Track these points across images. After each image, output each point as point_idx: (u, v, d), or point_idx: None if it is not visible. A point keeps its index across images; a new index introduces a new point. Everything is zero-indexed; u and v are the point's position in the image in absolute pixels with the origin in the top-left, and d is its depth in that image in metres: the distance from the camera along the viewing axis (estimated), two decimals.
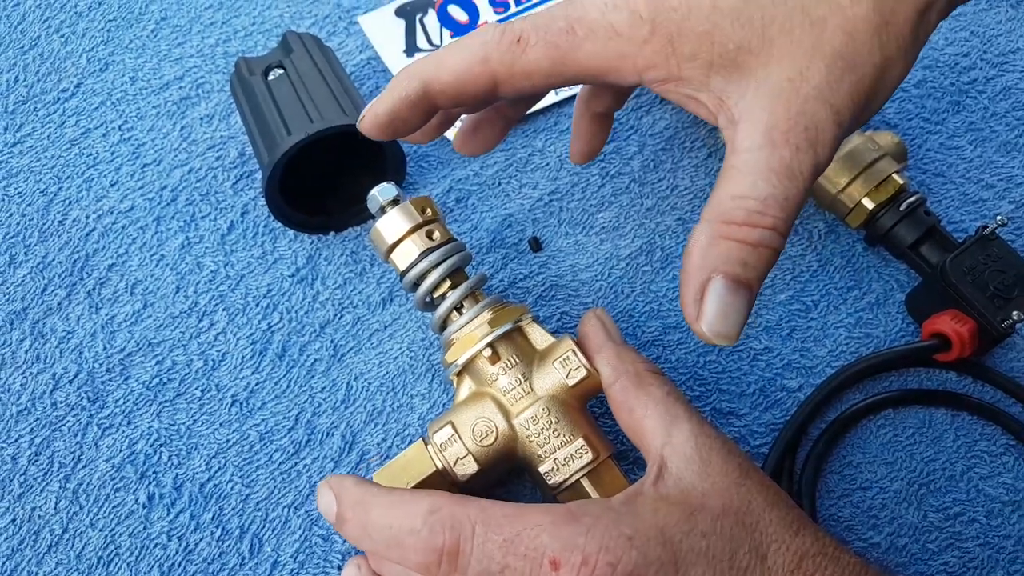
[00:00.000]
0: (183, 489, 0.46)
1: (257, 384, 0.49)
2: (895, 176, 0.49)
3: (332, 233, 0.54)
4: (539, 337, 0.43)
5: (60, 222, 0.55)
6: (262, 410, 0.48)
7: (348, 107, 0.49)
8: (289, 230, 0.53)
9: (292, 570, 0.43)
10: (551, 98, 0.59)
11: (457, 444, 0.39)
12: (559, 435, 0.39)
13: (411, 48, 0.62)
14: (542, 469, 0.39)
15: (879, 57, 0.31)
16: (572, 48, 0.34)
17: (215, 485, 0.46)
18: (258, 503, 0.45)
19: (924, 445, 0.46)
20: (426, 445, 0.40)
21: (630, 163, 0.56)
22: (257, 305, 0.51)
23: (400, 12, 0.63)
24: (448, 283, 0.43)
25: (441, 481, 0.39)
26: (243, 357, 0.49)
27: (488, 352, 0.41)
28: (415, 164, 0.56)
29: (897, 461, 0.46)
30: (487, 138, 0.44)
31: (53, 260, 0.53)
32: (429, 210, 0.43)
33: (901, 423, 0.47)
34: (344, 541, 0.44)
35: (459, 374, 0.42)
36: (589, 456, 0.39)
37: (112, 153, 0.58)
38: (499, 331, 0.41)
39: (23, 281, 0.53)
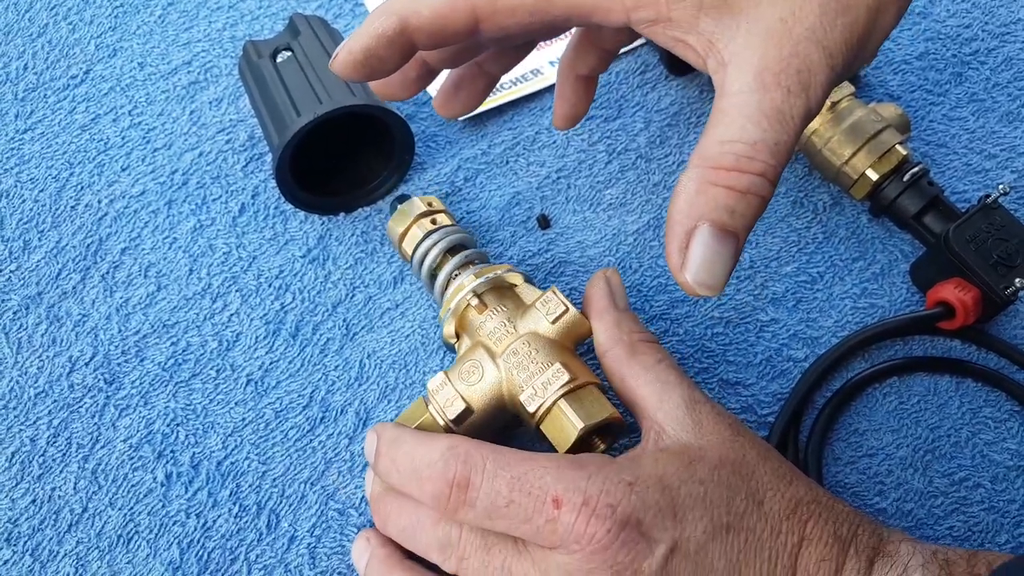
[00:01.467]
0: (200, 467, 0.47)
1: (271, 363, 0.49)
2: (898, 147, 0.49)
3: (342, 214, 0.54)
4: (529, 294, 0.45)
5: (73, 207, 0.55)
6: (277, 389, 0.48)
7: (356, 88, 0.50)
8: (300, 211, 0.54)
9: (309, 544, 0.44)
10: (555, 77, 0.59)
11: (447, 387, 0.41)
12: (537, 363, 0.40)
13: None
14: (523, 398, 0.40)
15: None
16: None
17: (232, 463, 0.47)
18: (274, 479, 0.46)
19: (929, 412, 0.47)
20: (425, 400, 0.42)
21: (636, 139, 0.56)
22: (270, 286, 0.52)
23: None
24: (448, 258, 0.47)
25: (436, 427, 0.41)
26: (257, 337, 0.50)
27: (475, 301, 0.44)
28: (423, 144, 0.57)
29: (903, 428, 0.46)
30: (469, 97, 0.44)
31: (67, 245, 0.54)
32: (434, 203, 0.49)
33: (906, 390, 0.47)
34: (360, 514, 0.45)
35: (458, 337, 0.45)
36: (566, 377, 0.39)
37: (123, 138, 0.58)
38: (482, 279, 0.44)
39: (37, 266, 0.53)
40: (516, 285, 0.46)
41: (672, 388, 0.38)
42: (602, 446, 0.40)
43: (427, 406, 0.41)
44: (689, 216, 0.31)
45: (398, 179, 0.55)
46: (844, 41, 0.30)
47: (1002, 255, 0.46)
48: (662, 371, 0.39)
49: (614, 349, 0.41)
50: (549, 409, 0.39)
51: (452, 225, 0.49)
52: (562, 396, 0.39)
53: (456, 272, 0.47)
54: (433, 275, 0.48)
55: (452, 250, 0.48)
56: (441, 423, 0.41)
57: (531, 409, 0.39)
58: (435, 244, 0.47)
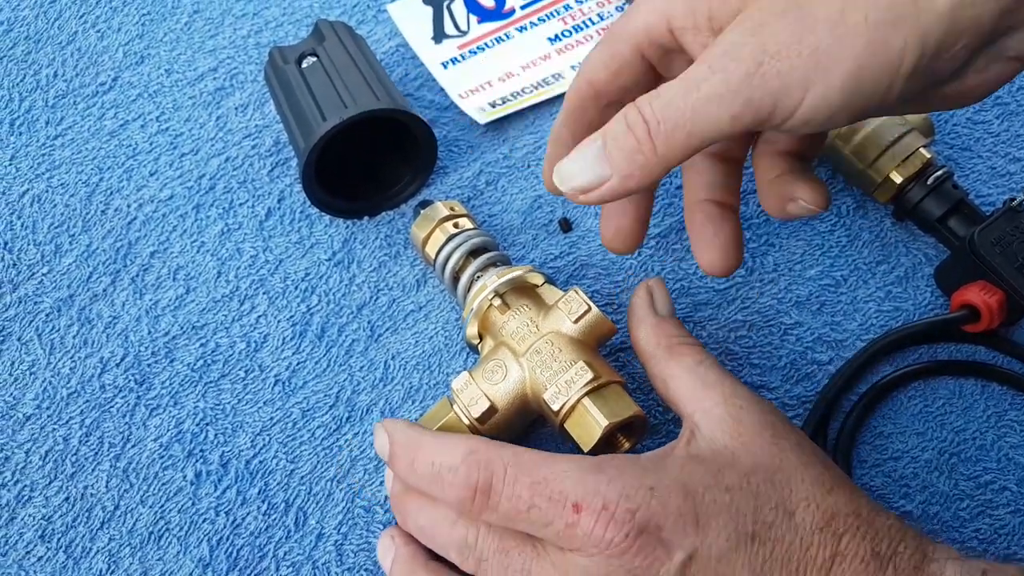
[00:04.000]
0: (229, 466, 0.47)
1: (298, 364, 0.50)
2: (922, 150, 0.49)
3: (366, 218, 0.55)
4: (551, 295, 0.45)
5: (103, 211, 0.56)
6: (304, 389, 0.49)
7: (381, 93, 0.51)
8: (325, 216, 0.55)
9: (336, 541, 0.45)
10: None
11: (471, 387, 0.41)
12: (560, 361, 0.41)
13: (439, 35, 0.63)
14: (547, 397, 0.40)
15: (837, 15, 0.29)
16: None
17: (260, 461, 0.47)
18: (302, 478, 0.47)
19: (954, 415, 0.47)
20: (449, 400, 0.43)
21: None
22: (296, 288, 0.52)
23: (427, 0, 0.64)
24: (471, 261, 0.48)
25: (460, 426, 0.41)
26: (284, 338, 0.51)
27: (497, 302, 0.44)
28: (445, 149, 0.57)
29: (928, 431, 0.46)
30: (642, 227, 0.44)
31: (97, 248, 0.55)
32: (456, 208, 0.50)
33: (931, 394, 0.47)
34: (386, 512, 0.45)
35: (481, 338, 0.45)
36: (589, 375, 0.39)
37: (151, 144, 0.59)
38: (504, 279, 0.45)
39: (69, 269, 0.54)
40: (538, 285, 0.46)
41: (711, 388, 0.38)
42: (626, 444, 0.41)
43: (451, 405, 0.42)
44: (599, 132, 0.34)
45: (421, 183, 0.55)
46: (785, 42, 0.30)
47: None
48: (702, 372, 0.39)
49: (655, 354, 0.40)
50: (573, 407, 0.40)
51: (474, 229, 0.49)
52: (586, 394, 0.39)
53: (478, 274, 0.47)
54: (456, 277, 0.48)
55: (474, 253, 0.48)
56: (466, 422, 0.41)
57: (555, 407, 0.40)
58: (458, 247, 0.48)
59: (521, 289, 0.46)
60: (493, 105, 0.59)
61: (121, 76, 0.63)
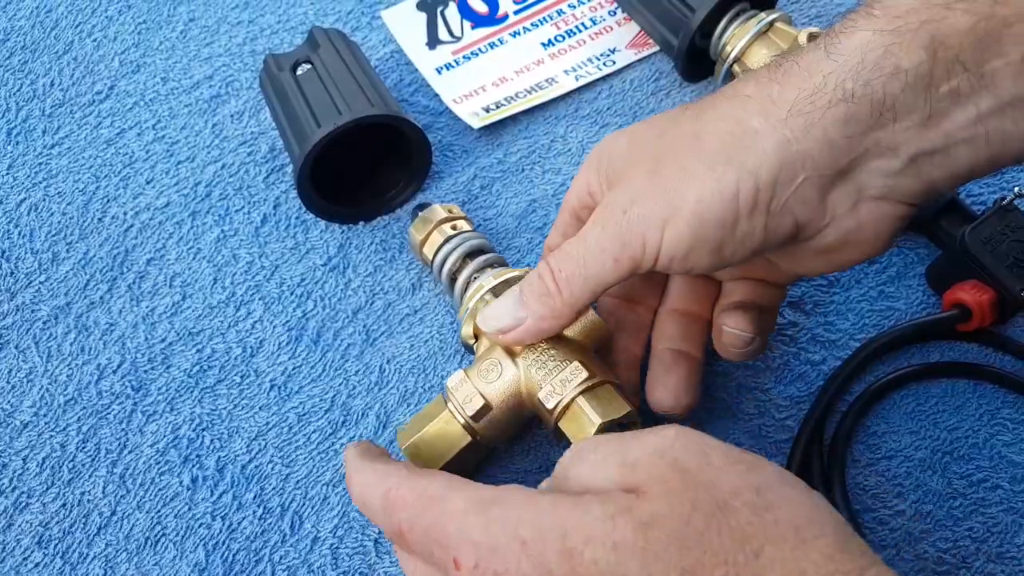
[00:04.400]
0: (225, 471, 0.48)
1: (294, 369, 0.50)
2: None
3: (361, 223, 0.55)
4: None
5: (99, 219, 0.57)
6: (299, 393, 0.49)
7: (375, 99, 0.51)
8: (320, 221, 0.55)
9: (332, 545, 0.45)
10: (570, 84, 0.60)
11: (466, 385, 0.41)
12: (555, 360, 0.41)
13: (433, 41, 0.63)
14: (541, 395, 0.40)
15: (683, 163, 0.35)
16: None
17: (256, 466, 0.47)
18: (298, 482, 0.47)
19: (947, 414, 0.47)
20: (444, 398, 0.43)
21: None
22: (292, 293, 0.53)
23: (421, 6, 0.65)
24: (468, 262, 0.48)
25: (454, 423, 0.41)
26: (280, 343, 0.51)
27: (490, 298, 0.44)
28: (440, 154, 0.58)
29: (921, 430, 0.46)
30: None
31: (94, 256, 0.55)
32: (454, 210, 0.51)
33: (924, 393, 0.47)
34: None
35: (476, 338, 0.45)
36: (584, 374, 0.40)
37: (147, 152, 0.59)
38: (500, 280, 0.45)
39: (66, 277, 0.55)
40: None
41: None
42: None
43: (446, 403, 0.42)
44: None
45: (416, 188, 0.56)
46: (645, 190, 0.36)
47: (1018, 256, 0.46)
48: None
49: None
50: (567, 406, 0.40)
51: (471, 231, 0.50)
52: (580, 393, 0.39)
53: (475, 275, 0.47)
54: (453, 278, 0.49)
55: (471, 255, 0.49)
56: (460, 420, 0.41)
57: (549, 406, 0.40)
58: (455, 248, 0.48)
59: None
60: (487, 110, 0.59)
61: (117, 85, 0.63)
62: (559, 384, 0.40)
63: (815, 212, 0.34)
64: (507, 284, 0.45)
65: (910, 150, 0.33)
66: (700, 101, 0.37)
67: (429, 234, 0.49)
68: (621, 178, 0.38)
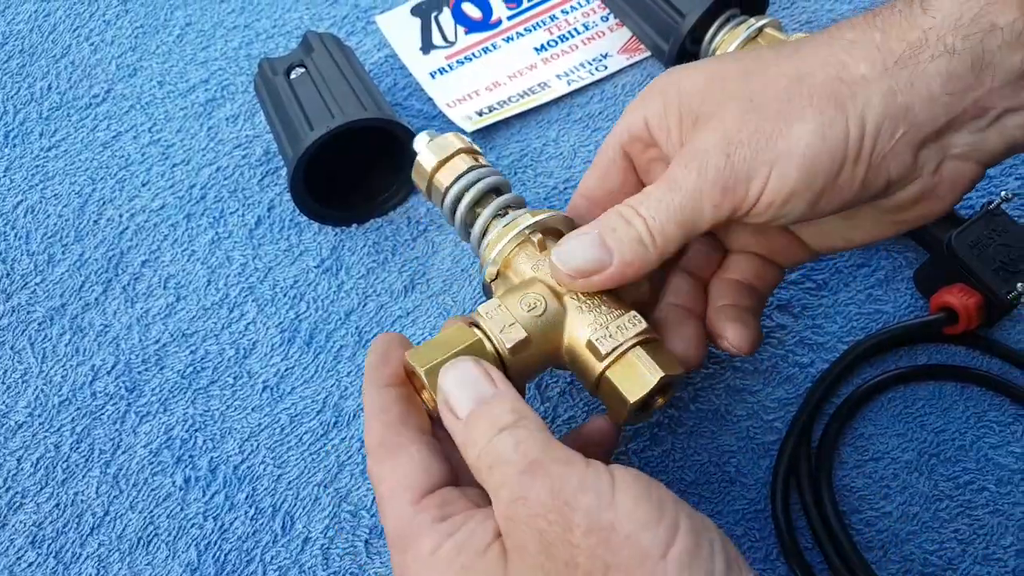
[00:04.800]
0: (218, 471, 0.48)
1: (287, 370, 0.51)
2: None
3: (355, 225, 0.56)
4: None
5: (95, 221, 0.57)
6: (292, 395, 0.50)
7: (368, 103, 0.51)
8: (314, 223, 0.56)
9: (323, 545, 0.45)
10: (563, 88, 0.60)
11: (504, 313, 0.37)
12: (608, 306, 0.38)
13: (427, 46, 0.64)
14: (594, 336, 0.36)
15: (786, 104, 0.34)
16: None
17: (248, 467, 0.48)
18: (289, 482, 0.47)
19: (934, 416, 0.47)
20: (471, 326, 0.38)
21: None
22: (285, 295, 0.53)
23: (415, 11, 0.65)
24: (493, 197, 0.44)
25: (481, 351, 0.37)
26: (272, 345, 0.51)
27: (536, 237, 0.40)
28: None
29: (908, 432, 0.47)
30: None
31: (89, 258, 0.56)
32: (473, 145, 0.46)
33: (911, 395, 0.48)
34: (371, 516, 0.46)
35: (496, 278, 0.42)
36: (644, 325, 0.37)
37: (143, 154, 0.60)
38: (543, 216, 0.41)
39: (61, 278, 0.55)
40: None
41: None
42: (660, 402, 0.38)
43: (473, 331, 0.37)
44: (590, 225, 0.37)
45: (408, 191, 0.56)
46: (746, 133, 0.34)
47: (1004, 260, 0.47)
48: None
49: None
50: (623, 354, 0.36)
51: (492, 168, 0.45)
52: (639, 343, 0.36)
53: (501, 211, 0.43)
54: (472, 213, 0.44)
55: (496, 191, 0.44)
56: (491, 350, 0.37)
57: (604, 350, 0.36)
58: (481, 179, 0.43)
59: (556, 232, 0.42)
60: (480, 114, 0.59)
61: (114, 88, 0.64)
62: (616, 330, 0.37)
63: (906, 169, 0.34)
64: (550, 223, 0.41)
65: (1000, 109, 0.33)
66: (786, 43, 0.36)
67: (448, 159, 0.44)
68: (707, 116, 0.36)
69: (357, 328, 0.52)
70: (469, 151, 0.45)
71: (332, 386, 0.50)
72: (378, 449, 0.35)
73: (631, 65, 0.61)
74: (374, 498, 0.46)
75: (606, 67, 0.61)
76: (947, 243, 0.47)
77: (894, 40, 0.33)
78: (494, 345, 0.37)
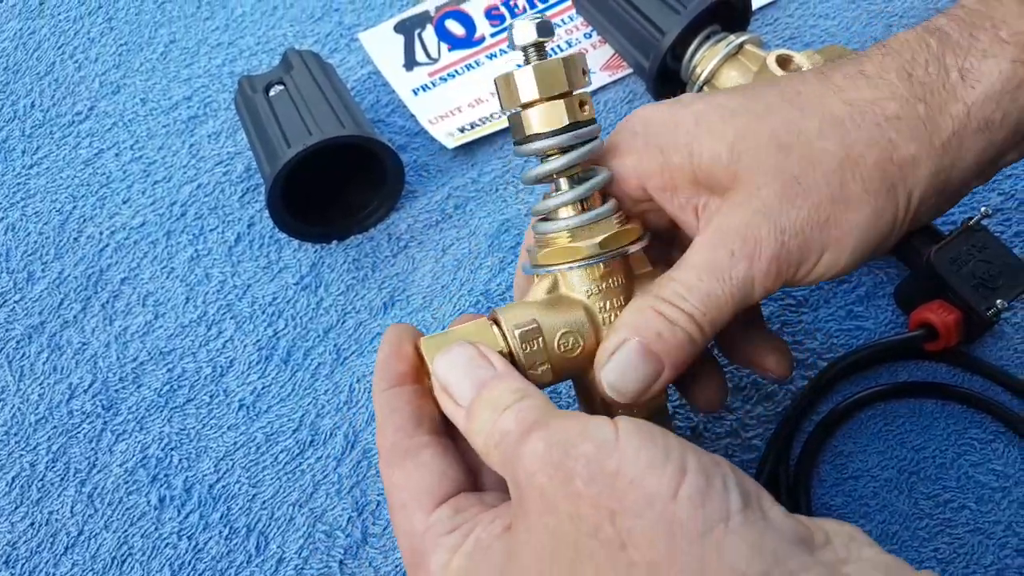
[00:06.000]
0: (193, 491, 0.48)
1: (263, 388, 0.50)
2: None
3: (335, 242, 0.55)
4: (638, 262, 0.38)
5: (75, 239, 0.57)
6: (268, 413, 0.49)
7: (346, 120, 0.51)
8: (293, 240, 0.55)
9: (296, 565, 0.45)
10: None
11: (538, 347, 0.34)
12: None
13: (410, 62, 0.64)
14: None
15: (838, 190, 0.33)
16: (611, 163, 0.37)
17: (223, 486, 0.47)
18: (264, 502, 0.47)
19: (914, 434, 0.47)
20: (493, 325, 0.35)
21: None
22: (263, 313, 0.53)
23: (399, 28, 0.66)
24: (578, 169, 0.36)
25: (497, 344, 0.35)
26: (250, 363, 0.51)
27: (602, 269, 0.36)
28: (414, 173, 0.58)
29: (888, 450, 0.46)
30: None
31: (69, 275, 0.56)
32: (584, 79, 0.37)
33: (891, 412, 0.47)
34: (347, 536, 0.45)
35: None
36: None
37: (124, 172, 0.60)
38: (620, 250, 0.36)
39: (40, 296, 0.55)
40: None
41: None
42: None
43: (498, 339, 0.35)
44: (625, 328, 0.34)
45: (389, 207, 0.56)
46: (799, 221, 0.33)
47: (984, 277, 0.47)
48: None
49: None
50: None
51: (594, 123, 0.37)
52: None
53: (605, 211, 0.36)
54: (573, 180, 0.36)
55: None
56: (510, 351, 0.34)
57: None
58: (581, 143, 0.36)
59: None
60: (462, 130, 0.59)
61: (97, 106, 0.64)
62: None
63: (937, 213, 0.36)
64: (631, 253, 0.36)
65: None
66: (820, 102, 0.34)
67: (553, 98, 0.35)
68: (736, 186, 0.34)
69: (336, 346, 0.52)
70: (577, 95, 0.36)
71: (309, 404, 0.50)
72: (389, 454, 0.33)
73: (613, 82, 0.61)
74: (349, 517, 0.46)
75: (589, 83, 0.61)
76: (927, 259, 0.47)
77: (938, 114, 0.33)
78: (509, 345, 0.34)
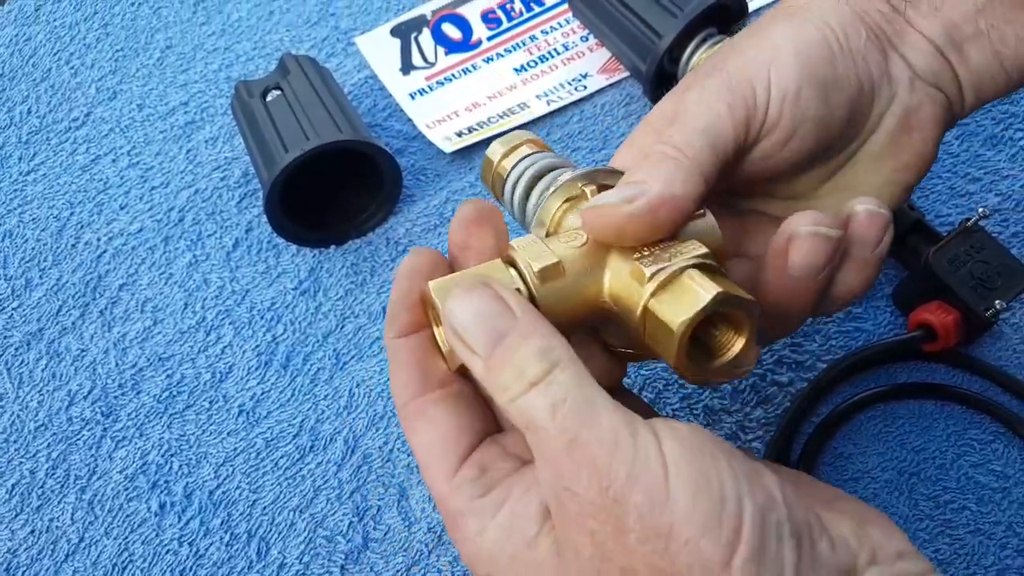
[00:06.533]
0: (193, 497, 0.47)
1: (263, 393, 0.50)
2: None
3: (333, 246, 0.55)
4: None
5: (73, 245, 0.57)
6: (268, 418, 0.49)
7: (343, 125, 0.51)
8: (292, 245, 0.55)
9: (298, 571, 0.45)
10: (542, 108, 0.60)
11: (539, 244, 0.31)
12: (666, 244, 0.32)
13: (407, 66, 0.64)
14: (640, 262, 0.30)
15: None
16: None
17: (223, 492, 0.47)
18: (265, 508, 0.47)
19: (914, 435, 0.47)
20: (510, 268, 0.32)
21: None
22: (262, 318, 0.53)
23: (395, 32, 0.66)
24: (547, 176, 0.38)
25: (514, 283, 0.31)
26: (249, 368, 0.51)
27: (591, 189, 0.34)
28: (412, 177, 0.58)
29: (888, 451, 0.46)
30: None
31: (67, 282, 0.56)
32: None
33: (891, 413, 0.47)
34: (347, 541, 0.45)
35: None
36: (704, 249, 0.30)
37: (121, 177, 0.60)
38: (601, 167, 0.35)
39: (39, 303, 0.55)
40: None
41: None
42: (741, 346, 0.30)
43: (508, 268, 0.31)
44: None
45: (387, 212, 0.56)
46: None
47: (982, 277, 0.47)
48: None
49: None
50: (671, 279, 0.29)
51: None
52: (694, 265, 0.30)
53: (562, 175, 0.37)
54: (538, 177, 0.38)
55: (554, 169, 0.38)
56: (523, 290, 0.31)
57: (648, 272, 0.29)
58: (547, 158, 0.39)
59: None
60: (459, 134, 0.59)
61: (94, 112, 0.64)
62: (665, 255, 0.30)
63: (884, 73, 0.36)
64: (605, 176, 0.35)
65: (936, 34, 0.35)
66: None
67: (517, 147, 0.39)
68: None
69: (335, 350, 0.52)
70: (535, 141, 0.40)
71: (309, 409, 0.50)
72: (403, 411, 0.32)
73: (610, 85, 0.61)
74: (350, 523, 0.46)
75: (585, 87, 0.61)
76: (925, 260, 0.47)
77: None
78: (527, 284, 0.31)
